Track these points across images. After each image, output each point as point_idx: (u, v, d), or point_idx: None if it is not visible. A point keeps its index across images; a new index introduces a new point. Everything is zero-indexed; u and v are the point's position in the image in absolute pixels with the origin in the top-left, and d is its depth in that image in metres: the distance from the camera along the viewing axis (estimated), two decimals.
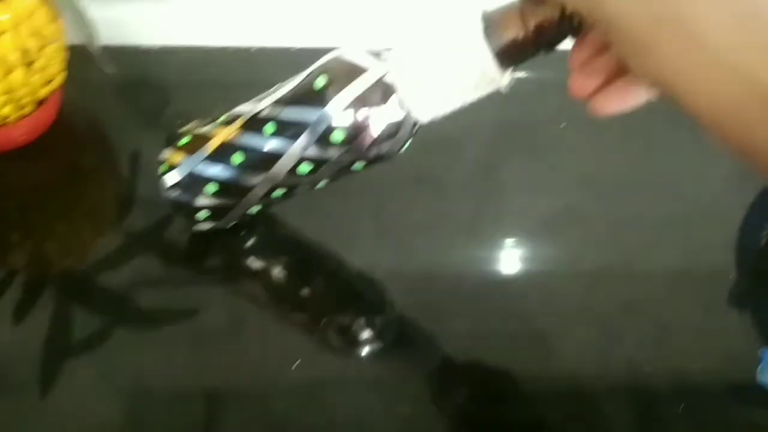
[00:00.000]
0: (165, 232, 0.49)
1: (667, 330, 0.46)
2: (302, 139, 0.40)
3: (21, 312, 0.44)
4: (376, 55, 0.39)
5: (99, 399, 0.41)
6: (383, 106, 0.38)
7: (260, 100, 0.43)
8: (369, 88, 0.38)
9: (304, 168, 0.41)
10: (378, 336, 0.45)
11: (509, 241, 0.51)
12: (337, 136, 0.39)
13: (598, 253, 0.50)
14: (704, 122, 0.25)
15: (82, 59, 0.54)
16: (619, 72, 0.32)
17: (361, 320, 0.46)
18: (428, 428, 0.42)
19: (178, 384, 0.42)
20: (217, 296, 0.47)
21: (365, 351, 0.45)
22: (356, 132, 0.39)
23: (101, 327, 0.44)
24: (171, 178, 0.44)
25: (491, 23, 0.34)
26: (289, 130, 0.40)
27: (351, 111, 0.39)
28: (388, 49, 0.39)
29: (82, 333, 0.43)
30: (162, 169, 0.45)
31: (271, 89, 0.43)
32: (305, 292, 0.48)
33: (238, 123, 0.42)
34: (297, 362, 0.43)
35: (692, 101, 0.25)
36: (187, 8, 0.66)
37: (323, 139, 0.40)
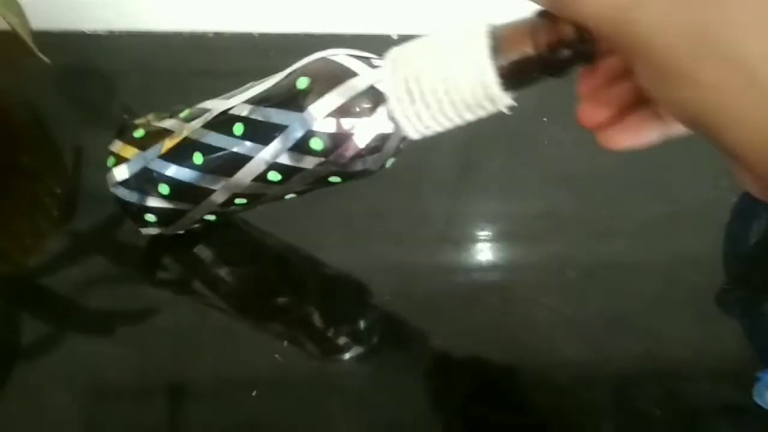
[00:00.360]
0: (116, 231, 0.47)
1: (657, 342, 0.45)
2: (275, 144, 0.36)
3: None
4: (367, 60, 0.35)
5: (52, 404, 0.39)
6: (371, 117, 0.35)
7: (229, 97, 0.39)
8: (357, 95, 0.34)
9: (273, 176, 0.37)
10: (346, 336, 0.44)
11: (487, 245, 0.49)
12: (316, 145, 0.35)
13: (583, 257, 0.49)
14: (747, 161, 0.22)
15: (16, 46, 0.49)
16: (636, 104, 0.29)
17: (325, 319, 0.44)
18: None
19: (134, 386, 0.41)
20: (171, 296, 0.45)
21: (329, 351, 0.43)
22: (338, 142, 0.35)
23: (50, 331, 0.42)
24: (120, 173, 0.41)
25: (498, 39, 0.30)
26: (260, 132, 0.36)
27: (334, 118, 0.35)
28: (379, 56, 0.35)
29: (30, 338, 0.42)
30: (110, 162, 0.41)
31: (243, 87, 0.39)
32: (266, 290, 0.46)
33: (202, 120, 0.39)
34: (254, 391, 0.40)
35: (735, 139, 0.22)
36: None
37: (299, 146, 0.36)
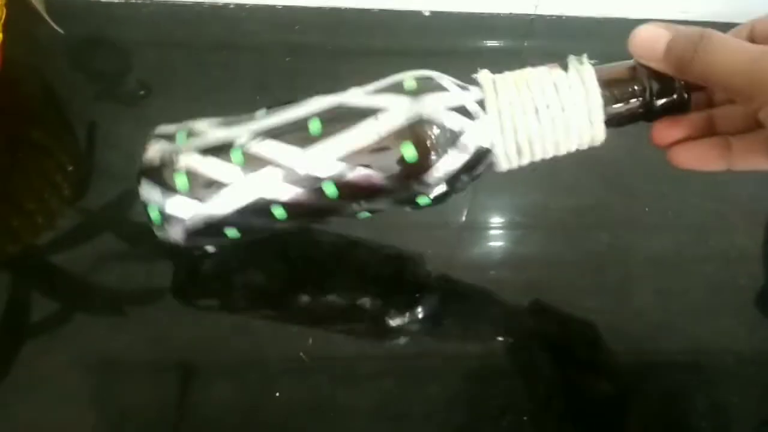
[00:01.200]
0: (128, 210, 0.45)
1: (705, 348, 0.43)
2: (379, 203, 0.35)
3: None
4: (457, 96, 0.33)
5: (61, 384, 0.38)
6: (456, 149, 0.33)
7: (301, 134, 0.34)
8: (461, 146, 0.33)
9: (362, 215, 0.37)
10: (376, 331, 0.42)
11: (520, 240, 0.46)
12: (422, 201, 0.35)
13: (626, 257, 0.46)
14: None
15: (27, 15, 0.48)
16: (707, 130, 0.34)
17: (354, 313, 0.42)
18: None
19: (145, 368, 0.39)
20: (185, 278, 0.43)
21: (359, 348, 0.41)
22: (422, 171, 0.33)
23: (60, 311, 0.41)
24: (175, 233, 0.36)
25: (607, 87, 0.32)
26: (358, 195, 0.34)
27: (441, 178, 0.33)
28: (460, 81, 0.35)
29: (40, 318, 0.40)
30: (155, 216, 0.36)
31: (306, 107, 0.35)
32: (289, 280, 0.44)
33: (281, 173, 0.34)
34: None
35: None
36: None
37: (405, 202, 0.35)
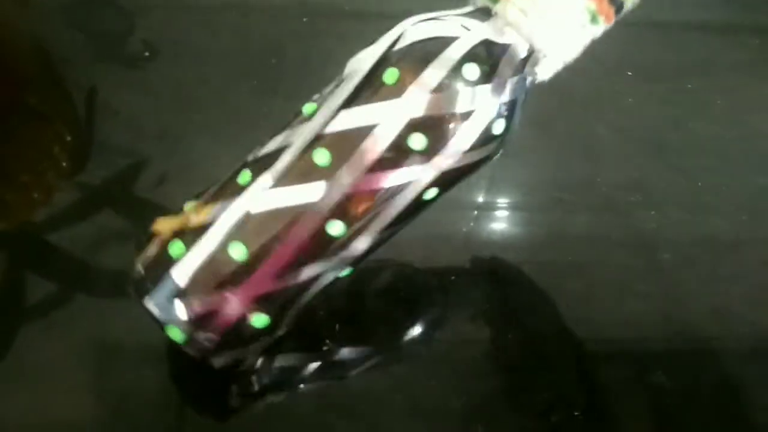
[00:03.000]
0: (130, 185, 0.43)
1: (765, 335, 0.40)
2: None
3: None
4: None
5: (59, 365, 0.36)
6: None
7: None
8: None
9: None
10: (408, 319, 0.38)
11: (565, 217, 0.43)
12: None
13: (678, 237, 0.43)
14: None
15: None
16: None
17: (384, 300, 0.39)
18: None
19: (148, 348, 0.36)
20: None
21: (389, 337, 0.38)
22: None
23: (57, 291, 0.39)
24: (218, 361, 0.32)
25: None
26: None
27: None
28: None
29: (36, 298, 0.38)
30: (178, 336, 0.31)
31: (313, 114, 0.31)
32: None
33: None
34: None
35: None
36: None
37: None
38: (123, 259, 0.38)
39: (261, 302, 0.30)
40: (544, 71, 0.30)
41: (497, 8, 0.29)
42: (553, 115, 0.48)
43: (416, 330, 0.38)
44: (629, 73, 0.50)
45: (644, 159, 0.46)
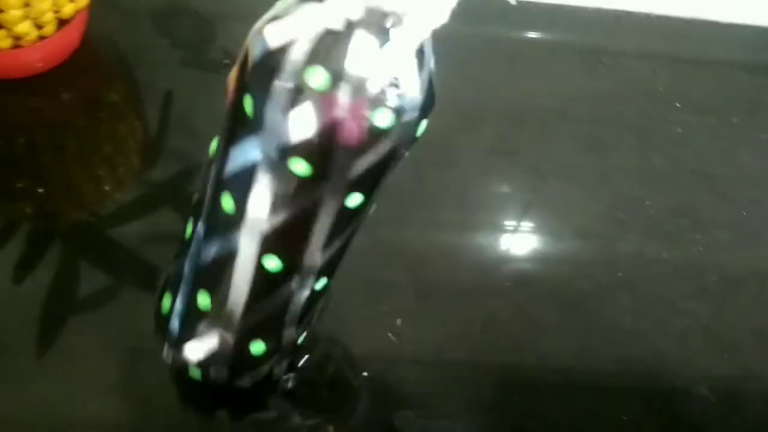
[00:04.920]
0: (187, 186, 0.44)
1: None
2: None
3: (24, 266, 0.40)
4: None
5: (105, 360, 0.37)
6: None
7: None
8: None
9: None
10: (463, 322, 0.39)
11: (616, 238, 0.45)
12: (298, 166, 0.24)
13: (725, 261, 0.44)
14: None
15: None
16: None
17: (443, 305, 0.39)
18: None
19: None
20: None
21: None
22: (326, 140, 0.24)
23: (110, 284, 0.40)
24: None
25: None
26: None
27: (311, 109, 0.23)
28: None
29: (89, 290, 0.39)
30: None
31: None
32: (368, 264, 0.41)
33: None
34: None
35: None
36: None
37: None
38: (170, 257, 0.39)
39: (248, 332, 0.31)
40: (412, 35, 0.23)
41: None
42: (607, 142, 0.49)
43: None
44: (677, 105, 0.51)
45: (692, 186, 0.47)
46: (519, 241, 0.44)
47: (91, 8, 0.49)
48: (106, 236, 0.42)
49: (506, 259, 0.43)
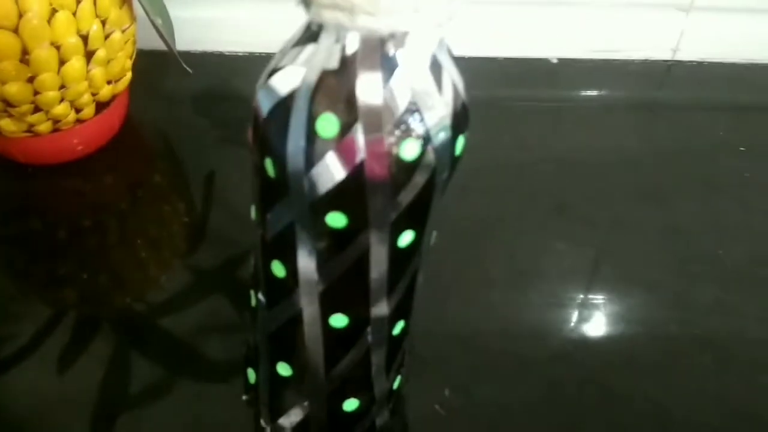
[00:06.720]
0: (237, 272, 0.43)
1: None
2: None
3: (68, 358, 0.39)
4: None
5: None
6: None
7: None
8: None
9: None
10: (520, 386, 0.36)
11: (693, 293, 0.41)
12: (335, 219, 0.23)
13: None
14: None
15: (154, 62, 0.50)
16: None
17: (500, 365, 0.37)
18: None
19: None
20: None
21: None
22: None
23: (162, 377, 0.38)
24: None
25: None
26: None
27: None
28: None
29: (139, 384, 0.38)
30: None
31: None
32: None
33: None
34: None
35: None
36: (278, 12, 0.59)
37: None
38: (225, 348, 0.39)
39: (337, 392, 0.30)
40: (417, 53, 0.21)
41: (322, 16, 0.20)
42: (669, 191, 0.47)
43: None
44: (742, 149, 0.49)
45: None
46: (583, 301, 0.41)
47: (131, 92, 0.50)
48: (155, 324, 0.41)
49: (567, 322, 0.40)
